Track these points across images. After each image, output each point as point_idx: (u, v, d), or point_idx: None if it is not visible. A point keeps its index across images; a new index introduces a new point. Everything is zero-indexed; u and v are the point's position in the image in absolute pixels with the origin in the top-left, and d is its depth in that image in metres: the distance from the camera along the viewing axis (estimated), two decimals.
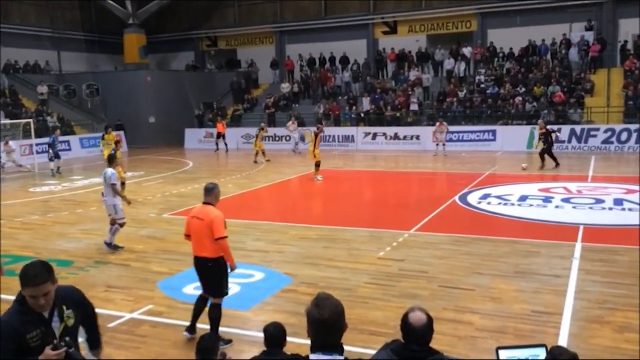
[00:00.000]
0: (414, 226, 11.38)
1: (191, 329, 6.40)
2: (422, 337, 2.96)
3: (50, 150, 21.24)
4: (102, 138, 20.91)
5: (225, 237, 6.06)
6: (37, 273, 3.18)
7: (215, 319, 6.19)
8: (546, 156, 18.80)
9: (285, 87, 33.76)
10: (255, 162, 22.91)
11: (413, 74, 31.02)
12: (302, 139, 27.93)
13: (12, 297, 7.91)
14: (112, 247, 10.20)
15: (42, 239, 11.37)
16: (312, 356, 2.81)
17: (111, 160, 10.52)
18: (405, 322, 2.99)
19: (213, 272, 6.20)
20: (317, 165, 17.86)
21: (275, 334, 4.16)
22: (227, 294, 6.39)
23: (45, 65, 34.36)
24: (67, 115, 30.82)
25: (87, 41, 37.15)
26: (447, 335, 6.11)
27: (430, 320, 2.99)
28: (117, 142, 18.04)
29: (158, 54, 38.96)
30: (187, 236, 6.35)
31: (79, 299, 3.62)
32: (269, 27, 37.25)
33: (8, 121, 25.65)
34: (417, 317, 2.98)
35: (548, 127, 19.44)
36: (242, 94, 35.40)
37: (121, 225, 10.33)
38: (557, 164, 18.64)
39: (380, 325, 6.59)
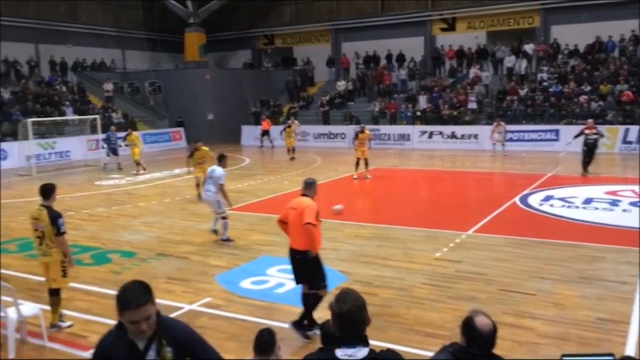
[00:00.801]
0: (471, 227, 11.15)
1: (312, 323, 6.33)
2: (486, 343, 2.91)
3: (106, 146, 21.91)
4: (124, 139, 21.43)
5: (313, 224, 6.09)
6: (136, 295, 2.81)
7: (311, 306, 6.29)
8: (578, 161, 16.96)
9: (341, 85, 33.76)
10: (293, 158, 23.47)
11: (472, 72, 30.38)
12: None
13: (82, 286, 8.28)
14: (225, 239, 10.57)
15: (107, 230, 11.84)
16: (337, 352, 2.84)
17: (221, 160, 10.83)
18: (469, 326, 2.94)
19: (311, 264, 6.25)
20: (365, 163, 18.00)
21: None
22: (326, 286, 6.40)
23: (110, 64, 35.76)
24: (131, 112, 31.96)
25: (150, 40, 38.40)
26: (507, 341, 5.96)
27: (495, 326, 2.94)
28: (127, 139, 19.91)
29: (217, 52, 39.75)
30: (282, 222, 6.49)
31: (185, 338, 2.97)
32: (325, 25, 37.33)
33: (77, 117, 26.83)
34: (485, 322, 2.92)
35: (598, 127, 17.67)
36: (297, 91, 35.68)
37: (223, 218, 10.66)
38: (586, 171, 16.89)
39: (436, 327, 6.50)
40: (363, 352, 2.82)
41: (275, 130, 32.14)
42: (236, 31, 39.58)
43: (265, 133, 29.69)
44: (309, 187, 6.48)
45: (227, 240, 10.57)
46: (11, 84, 28.68)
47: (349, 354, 2.81)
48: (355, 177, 18.10)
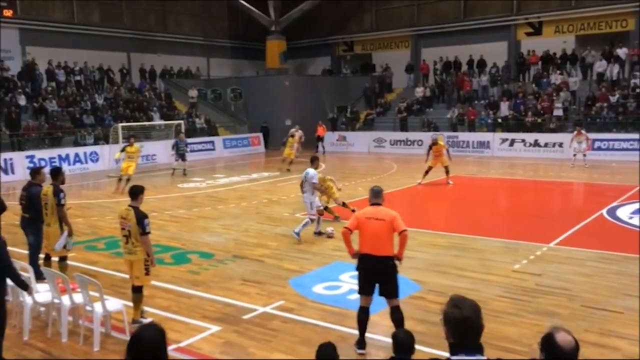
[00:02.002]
0: (554, 239, 10.65)
1: (362, 343, 6.21)
2: None
3: (174, 152, 22.20)
4: (123, 150, 18.31)
5: (406, 230, 6.16)
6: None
7: (401, 320, 6.07)
8: None
9: (419, 91, 33.35)
10: (288, 170, 21.91)
11: (558, 78, 29.08)
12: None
13: (162, 284, 8.60)
14: (316, 234, 11.41)
15: (187, 231, 12.31)
16: (453, 357, 2.78)
17: (313, 162, 11.61)
18: (550, 343, 2.82)
19: (393, 271, 6.15)
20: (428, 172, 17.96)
21: (405, 341, 4.13)
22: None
23: (195, 71, 37.30)
24: (213, 118, 33.12)
25: (233, 48, 39.73)
26: None
27: (577, 344, 2.80)
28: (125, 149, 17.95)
29: (297, 59, 40.43)
30: (349, 230, 6.28)
31: None
32: (406, 31, 37.02)
33: (163, 122, 28.15)
34: (567, 340, 2.80)
35: None
36: (375, 98, 35.60)
37: (311, 220, 11.32)
38: None
39: (513, 342, 6.25)
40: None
41: (352, 136, 32.30)
42: (316, 38, 40.08)
43: (320, 139, 29.84)
44: (379, 196, 6.36)
45: (299, 237, 11.05)
46: (104, 90, 30.55)
47: None
48: (419, 182, 18.01)
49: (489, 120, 28.67)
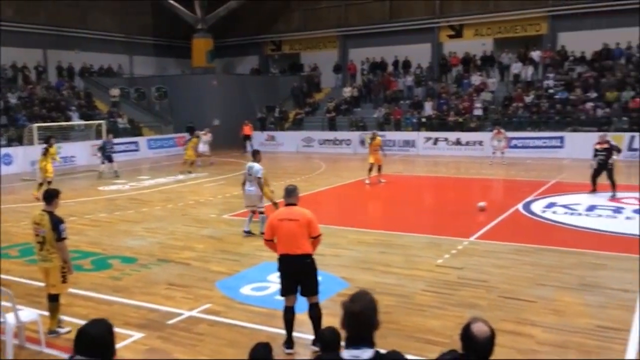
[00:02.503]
0: (474, 234, 11.11)
1: (289, 342, 6.22)
2: (484, 350, 2.89)
3: (100, 154, 21.45)
4: (45, 154, 16.98)
5: (321, 234, 6.26)
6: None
7: (319, 317, 6.14)
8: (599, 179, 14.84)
9: (347, 91, 33.80)
10: (189, 172, 21.50)
11: (478, 79, 30.34)
12: (362, 142, 27.88)
13: (81, 292, 8.26)
14: (246, 232, 11.33)
15: (108, 235, 11.85)
16: (344, 353, 2.84)
17: (255, 155, 11.61)
18: (467, 334, 2.92)
19: (311, 269, 6.19)
20: (378, 168, 18.05)
21: (331, 339, 4.15)
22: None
23: (117, 69, 35.98)
24: (137, 117, 32.10)
25: (157, 46, 38.63)
26: (506, 348, 5.91)
27: (493, 333, 2.92)
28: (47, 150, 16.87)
29: (224, 58, 39.90)
30: (269, 241, 6.26)
31: None
32: (333, 31, 37.39)
33: (82, 122, 26.99)
34: (481, 329, 2.90)
35: (612, 142, 15.15)
36: (303, 97, 35.76)
37: (261, 213, 11.27)
38: (615, 192, 14.42)
39: (436, 334, 6.46)
40: (368, 353, 2.83)
41: (281, 136, 32.30)
42: (244, 37, 39.73)
43: (247, 138, 29.74)
44: (293, 194, 6.31)
45: (250, 233, 11.21)
46: (18, 89, 28.89)
47: (354, 355, 2.82)
48: (367, 182, 18.03)
49: (414, 120, 29.48)
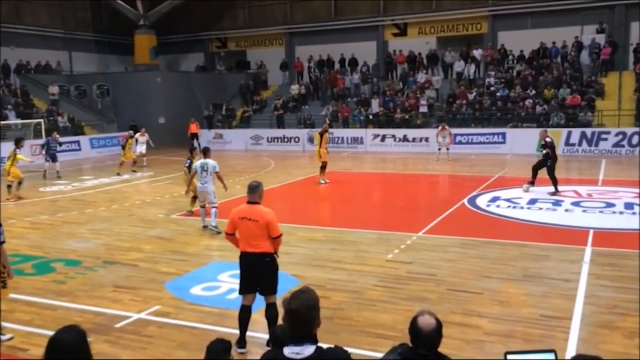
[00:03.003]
0: (422, 229, 11.33)
1: (242, 342, 6.12)
2: (430, 342, 2.95)
3: (44, 152, 20.79)
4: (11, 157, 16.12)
5: (281, 234, 6.18)
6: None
7: (275, 318, 6.00)
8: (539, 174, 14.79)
9: (295, 88, 33.79)
10: (134, 171, 21.37)
11: (422, 76, 30.94)
12: (310, 140, 27.95)
13: (23, 297, 7.93)
14: (217, 229, 11.11)
15: (51, 238, 11.42)
16: (285, 350, 2.86)
17: (206, 153, 11.92)
18: (414, 326, 2.98)
19: (270, 268, 6.10)
20: (323, 167, 17.60)
21: (282, 337, 4.14)
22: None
23: (56, 66, 34.62)
24: (78, 116, 31.01)
25: (98, 42, 37.42)
26: (455, 339, 6.06)
27: (439, 324, 2.98)
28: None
29: (168, 55, 39.10)
30: (230, 235, 6.21)
31: None
32: (279, 28, 37.30)
33: (20, 121, 25.86)
34: (426, 322, 2.96)
35: (548, 139, 14.56)
36: (251, 95, 35.50)
37: (213, 207, 11.54)
38: (557, 190, 14.43)
39: (388, 329, 6.55)
40: (310, 349, 2.84)
41: (229, 134, 31.96)
42: (188, 34, 39.07)
43: (194, 136, 29.38)
44: (255, 192, 6.20)
45: (217, 229, 11.06)
46: None
47: (296, 352, 2.83)
48: (323, 181, 17.55)
49: (362, 117, 29.78)
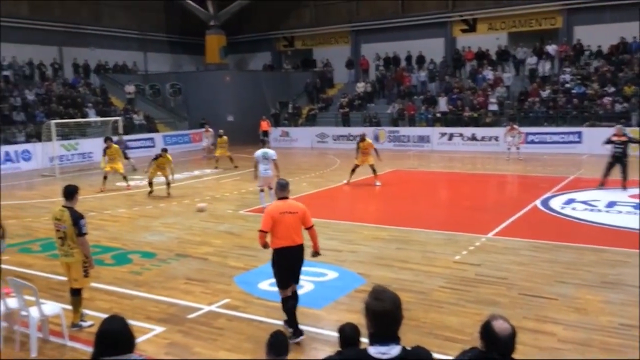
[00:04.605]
0: (491, 230, 11.04)
1: (299, 331, 6.40)
2: (505, 348, 2.89)
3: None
4: (109, 147, 17.77)
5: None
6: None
7: (296, 304, 6.55)
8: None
9: (360, 86, 33.71)
10: (216, 167, 22.17)
11: (492, 73, 30.11)
12: (376, 138, 27.82)
13: (103, 286, 8.34)
14: None
15: (128, 231, 11.97)
16: (371, 349, 2.84)
17: (265, 144, 13.86)
18: (488, 330, 2.92)
19: (303, 258, 6.58)
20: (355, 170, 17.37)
21: (351, 335, 4.16)
22: None
23: (132, 66, 36.19)
24: (152, 114, 32.28)
25: (171, 42, 38.82)
26: (528, 346, 5.88)
27: (514, 330, 2.91)
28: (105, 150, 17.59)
29: (237, 54, 39.98)
30: (266, 232, 6.42)
31: None
32: (345, 26, 37.30)
33: (99, 119, 27.19)
34: (502, 327, 2.90)
35: (629, 134, 14.29)
36: (317, 93, 35.73)
37: (271, 188, 12.15)
38: (625, 187, 14.20)
39: (456, 332, 6.44)
40: (396, 349, 2.84)
41: (295, 132, 32.31)
42: (256, 33, 39.76)
43: (265, 134, 29.84)
44: (286, 189, 6.63)
45: None
46: (35, 85, 29.18)
47: (382, 352, 2.83)
48: (346, 181, 17.44)
49: (429, 116, 29.34)
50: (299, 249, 6.48)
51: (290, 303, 6.48)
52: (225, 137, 22.93)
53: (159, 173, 16.32)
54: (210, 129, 26.62)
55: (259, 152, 13.24)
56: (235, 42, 38.51)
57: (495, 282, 8.06)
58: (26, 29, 30.04)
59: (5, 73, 28.43)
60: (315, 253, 6.73)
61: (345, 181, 17.61)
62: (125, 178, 17.94)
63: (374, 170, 17.07)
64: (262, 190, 13.46)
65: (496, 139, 25.98)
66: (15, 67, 29.29)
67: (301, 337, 6.33)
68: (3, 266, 8.32)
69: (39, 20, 30.76)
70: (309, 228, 6.53)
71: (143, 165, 22.75)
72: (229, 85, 33.30)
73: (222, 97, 32.95)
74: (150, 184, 16.31)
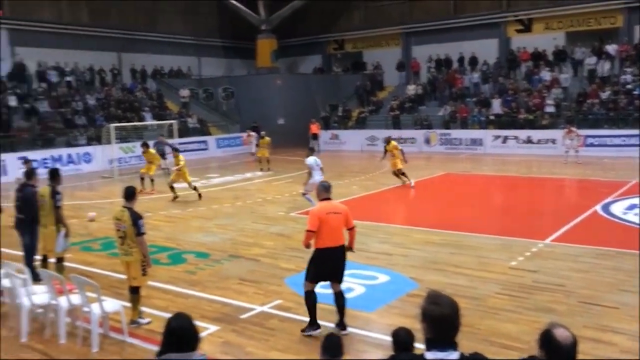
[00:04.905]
0: (549, 236, 10.72)
1: (317, 324, 6.65)
2: (567, 357, 2.80)
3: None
4: (145, 152, 18.60)
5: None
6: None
7: (344, 305, 6.74)
8: None
9: (411, 88, 33.40)
10: (268, 169, 22.38)
11: (549, 74, 29.23)
12: (427, 141, 27.49)
13: (159, 285, 8.55)
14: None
15: (182, 231, 12.26)
16: (428, 355, 2.80)
17: (313, 151, 14.40)
18: (549, 339, 2.84)
19: (345, 258, 6.72)
20: (396, 173, 17.48)
21: (405, 339, 4.12)
22: None
23: (187, 71, 37.14)
24: (205, 117, 33.01)
25: (224, 47, 39.59)
26: (588, 355, 5.67)
27: (575, 339, 2.82)
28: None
29: (288, 57, 40.35)
30: (314, 232, 6.49)
31: None
32: (396, 28, 37.05)
33: (155, 122, 28.01)
34: (564, 335, 2.81)
35: None
36: (367, 96, 35.63)
37: None
38: None
39: (512, 339, 6.29)
40: (454, 355, 2.80)
41: (345, 134, 32.30)
42: (307, 36, 40.02)
43: (315, 137, 29.88)
44: (329, 191, 6.76)
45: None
46: (96, 90, 30.36)
47: (440, 357, 2.79)
48: (411, 183, 17.37)
49: (482, 118, 28.76)
50: (341, 249, 6.62)
51: (313, 297, 6.64)
52: (267, 139, 23.20)
53: (180, 180, 16.44)
54: (252, 133, 27.12)
55: (312, 160, 13.76)
56: (286, 46, 38.88)
57: (553, 289, 7.82)
58: (86, 36, 31.31)
59: (68, 79, 29.71)
60: (349, 248, 6.80)
61: (411, 184, 17.36)
62: (152, 181, 18.06)
63: (403, 174, 17.26)
64: (304, 194, 13.93)
65: (553, 141, 25.23)
66: (77, 73, 30.55)
67: (343, 332, 6.48)
68: (66, 264, 8.69)
69: (98, 27, 31.96)
70: (351, 229, 6.70)
71: (196, 167, 23.30)
72: (280, 88, 33.66)
73: (273, 100, 33.34)
74: (172, 188, 16.31)
